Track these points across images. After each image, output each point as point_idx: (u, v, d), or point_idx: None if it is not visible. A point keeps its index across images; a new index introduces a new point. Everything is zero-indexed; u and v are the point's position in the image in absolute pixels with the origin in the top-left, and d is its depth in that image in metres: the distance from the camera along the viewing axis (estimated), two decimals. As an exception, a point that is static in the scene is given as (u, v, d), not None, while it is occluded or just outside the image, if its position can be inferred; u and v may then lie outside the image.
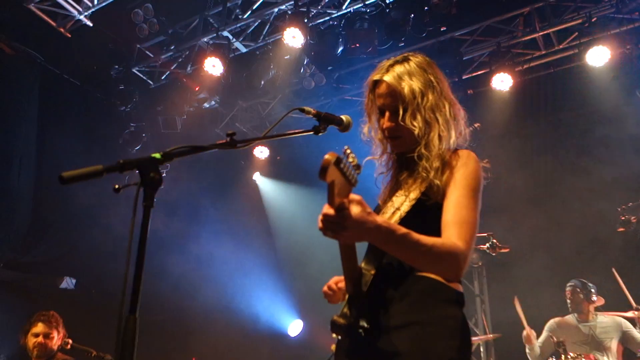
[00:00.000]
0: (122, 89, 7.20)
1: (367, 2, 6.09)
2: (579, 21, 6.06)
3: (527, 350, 5.47)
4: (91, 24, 6.36)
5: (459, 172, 1.86)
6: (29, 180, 6.48)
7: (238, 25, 6.64)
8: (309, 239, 7.47)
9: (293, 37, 6.16)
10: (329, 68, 6.98)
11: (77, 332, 4.74)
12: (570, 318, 5.60)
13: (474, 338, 5.55)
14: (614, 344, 5.25)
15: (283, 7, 6.32)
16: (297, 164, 8.18)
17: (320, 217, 1.46)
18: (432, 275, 1.80)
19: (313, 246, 7.37)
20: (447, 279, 1.80)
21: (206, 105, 7.84)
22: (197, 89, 7.51)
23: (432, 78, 1.97)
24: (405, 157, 2.01)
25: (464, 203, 1.80)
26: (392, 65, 1.98)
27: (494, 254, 6.04)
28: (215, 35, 6.66)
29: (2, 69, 6.22)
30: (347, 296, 1.83)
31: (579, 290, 5.43)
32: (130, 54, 7.10)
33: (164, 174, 6.80)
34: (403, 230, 1.60)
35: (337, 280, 2.09)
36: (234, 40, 6.80)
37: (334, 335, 1.79)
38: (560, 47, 6.41)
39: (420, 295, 1.79)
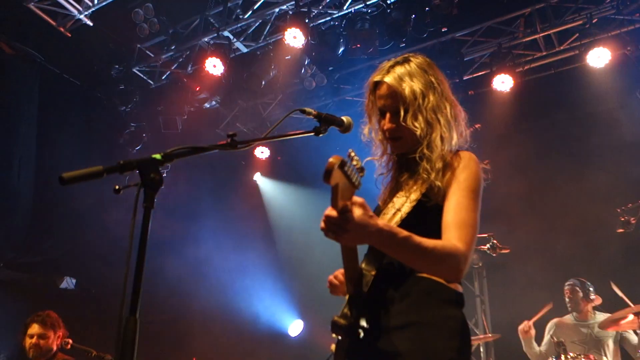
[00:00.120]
0: (123, 88, 7.20)
1: (368, 3, 6.08)
2: (580, 22, 6.06)
3: (523, 346, 5.46)
4: (91, 24, 6.36)
5: (460, 173, 1.86)
6: (28, 180, 6.48)
7: (239, 25, 6.63)
8: (310, 239, 7.47)
9: (294, 38, 6.16)
10: (330, 68, 6.98)
11: (77, 332, 4.74)
12: (569, 318, 5.61)
13: (473, 338, 5.55)
14: (612, 344, 5.25)
15: (284, 7, 6.32)
16: (298, 164, 8.18)
17: (322, 218, 1.47)
18: (432, 276, 1.81)
19: (313, 246, 7.37)
20: (448, 280, 1.80)
21: (207, 105, 7.84)
22: (197, 89, 7.51)
23: (432, 79, 1.97)
24: (406, 158, 2.02)
25: (465, 205, 1.80)
26: (392, 67, 1.98)
27: (494, 255, 6.04)
28: (216, 35, 6.65)
29: (1, 69, 6.22)
30: (347, 297, 1.83)
31: (578, 289, 5.43)
32: (130, 53, 7.10)
33: (164, 174, 6.80)
34: (404, 233, 1.60)
35: (342, 272, 2.09)
36: (235, 40, 6.80)
37: (334, 335, 1.80)
38: (561, 48, 6.41)
39: (420, 295, 1.80)
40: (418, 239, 1.62)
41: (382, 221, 1.57)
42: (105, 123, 7.39)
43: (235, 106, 7.95)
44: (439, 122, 1.93)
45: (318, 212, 1.48)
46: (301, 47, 6.31)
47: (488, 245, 5.94)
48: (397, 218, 1.84)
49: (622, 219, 5.66)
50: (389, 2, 6.08)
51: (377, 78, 1.99)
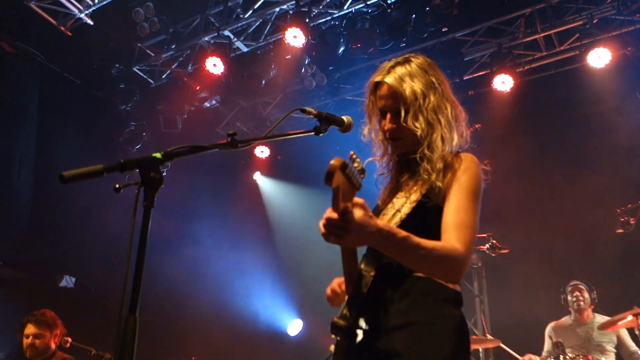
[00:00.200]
0: (123, 87, 7.20)
1: (368, 3, 6.08)
2: (580, 22, 6.06)
3: None
4: (92, 23, 6.36)
5: (461, 175, 1.86)
6: (28, 178, 6.48)
7: (239, 24, 6.63)
8: (309, 239, 7.46)
9: (294, 37, 6.16)
10: (330, 68, 6.98)
11: (76, 331, 4.74)
12: (567, 320, 5.60)
13: (474, 339, 5.54)
14: (610, 347, 5.25)
15: (284, 6, 6.32)
16: (298, 164, 8.18)
17: (321, 222, 1.47)
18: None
19: (313, 245, 7.37)
20: (447, 281, 1.81)
21: (207, 104, 7.84)
22: (197, 88, 7.51)
23: (433, 79, 1.97)
24: (406, 158, 2.02)
25: (465, 206, 1.80)
26: (393, 67, 1.98)
27: (493, 255, 6.04)
28: (216, 34, 6.65)
29: (2, 67, 6.22)
30: (347, 297, 1.84)
31: (588, 290, 5.44)
32: (131, 52, 7.09)
33: (164, 173, 6.79)
34: (403, 233, 1.60)
35: (340, 282, 2.09)
36: (235, 39, 6.80)
37: (333, 336, 1.80)
38: (562, 48, 6.41)
39: (418, 295, 1.80)
40: (417, 239, 1.62)
41: (381, 221, 1.57)
42: (106, 122, 7.39)
43: (235, 105, 7.95)
44: (439, 123, 1.93)
45: (318, 212, 1.48)
46: (301, 46, 6.31)
47: (487, 245, 5.94)
48: (397, 219, 1.84)
49: (622, 219, 5.67)
50: (389, 2, 6.08)
51: (377, 78, 1.99)
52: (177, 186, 7.05)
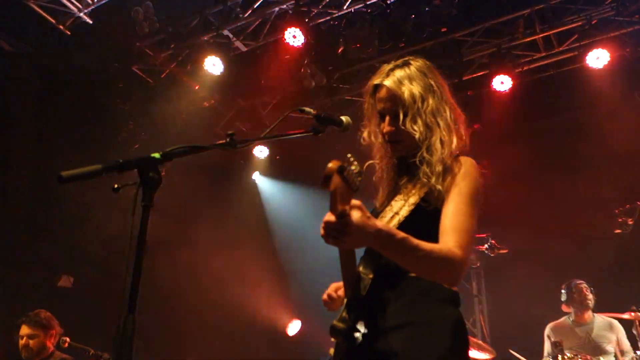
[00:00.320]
0: (122, 87, 7.19)
1: (368, 3, 6.08)
2: (579, 23, 6.06)
3: None
4: (91, 22, 6.35)
5: (460, 179, 1.87)
6: (27, 177, 6.47)
7: (238, 24, 6.63)
8: (308, 238, 7.47)
9: (293, 37, 6.15)
10: (330, 68, 6.97)
11: (75, 331, 4.73)
12: (566, 321, 5.61)
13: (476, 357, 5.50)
14: (610, 348, 5.26)
15: (284, 6, 6.31)
16: (297, 164, 8.18)
17: (322, 225, 1.47)
18: (428, 278, 1.82)
19: (312, 245, 7.36)
20: (444, 284, 1.82)
21: (206, 104, 7.83)
22: (196, 87, 7.50)
23: (432, 82, 1.97)
24: (405, 161, 2.02)
25: (463, 210, 1.81)
26: (392, 70, 1.99)
27: (492, 255, 6.06)
28: (215, 34, 6.64)
29: (1, 66, 6.20)
30: (346, 300, 1.84)
31: (590, 290, 5.46)
32: (129, 52, 7.08)
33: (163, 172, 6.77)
34: (402, 234, 1.60)
35: (336, 288, 2.10)
36: (234, 39, 6.79)
37: (333, 339, 1.80)
38: (560, 49, 6.41)
39: (416, 295, 1.81)
40: (416, 241, 1.62)
41: (380, 222, 1.57)
42: (104, 121, 7.37)
43: (234, 105, 7.94)
44: (438, 126, 1.93)
45: (317, 212, 1.49)
46: (301, 46, 6.31)
47: (486, 246, 5.96)
48: (395, 221, 1.85)
49: (620, 220, 5.68)
50: (388, 2, 6.07)
51: (376, 81, 2.00)
52: (175, 186, 7.03)
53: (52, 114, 6.79)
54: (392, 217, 1.87)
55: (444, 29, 6.36)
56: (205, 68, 6.68)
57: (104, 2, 6.15)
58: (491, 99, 6.75)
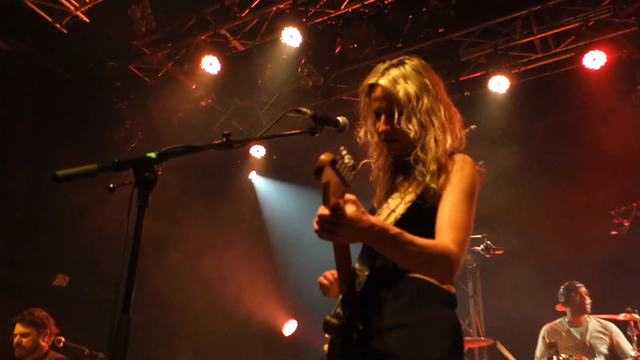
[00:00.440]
0: (118, 85, 7.17)
1: (365, 3, 6.08)
2: (576, 25, 6.07)
3: None
4: (88, 20, 6.33)
5: (455, 176, 1.87)
6: (23, 176, 6.44)
7: (236, 23, 6.62)
8: (305, 238, 7.47)
9: (291, 37, 6.15)
10: (327, 68, 6.97)
11: (70, 330, 4.72)
12: (561, 323, 5.63)
13: (467, 340, 5.55)
14: (604, 349, 5.28)
15: (281, 6, 6.31)
16: (294, 163, 8.18)
17: (315, 219, 1.46)
18: (425, 277, 1.82)
19: (308, 245, 7.36)
20: (439, 280, 1.81)
21: (203, 103, 7.82)
22: (194, 86, 7.49)
23: (427, 81, 1.97)
24: (401, 160, 2.02)
25: (459, 207, 1.81)
26: (387, 69, 1.99)
27: (488, 256, 6.06)
28: (212, 33, 6.64)
29: (-2, 64, 6.19)
30: (340, 297, 1.84)
31: (588, 293, 5.48)
32: (126, 50, 7.06)
33: (159, 172, 6.76)
34: (396, 230, 1.60)
35: (334, 272, 2.09)
36: (232, 38, 6.79)
37: (326, 335, 1.80)
38: (557, 50, 6.42)
39: (412, 296, 1.81)
40: (410, 236, 1.62)
41: (375, 218, 1.56)
42: (101, 120, 7.35)
43: (231, 105, 7.93)
44: (433, 125, 1.94)
45: (314, 212, 1.47)
46: (298, 46, 6.31)
47: (482, 246, 5.96)
48: (391, 219, 1.85)
49: (616, 222, 5.70)
50: (386, 2, 6.08)
51: (372, 80, 2.00)
52: (171, 185, 7.03)
53: (49, 112, 6.77)
54: (388, 215, 1.87)
55: (441, 30, 6.36)
56: (202, 67, 6.68)
57: (100, 0, 6.13)
58: (488, 100, 6.77)
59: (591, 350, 5.28)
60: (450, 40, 6.53)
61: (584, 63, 6.12)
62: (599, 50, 6.00)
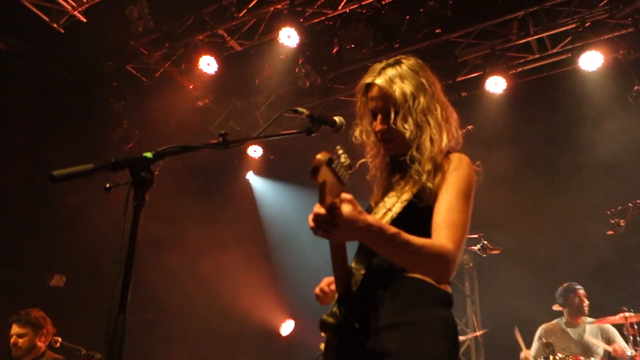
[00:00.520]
0: (116, 85, 7.16)
1: (362, 3, 6.08)
2: (573, 25, 6.08)
3: None
4: (85, 20, 6.32)
5: (451, 175, 1.87)
6: (19, 176, 6.43)
7: (233, 23, 6.62)
8: (302, 238, 7.47)
9: (288, 37, 6.16)
10: (324, 68, 6.97)
11: (67, 330, 4.71)
12: (559, 322, 5.64)
13: (462, 336, 5.58)
14: (601, 350, 5.30)
15: (278, 6, 6.31)
16: (292, 163, 8.18)
17: (311, 216, 1.46)
18: (422, 276, 1.82)
19: (306, 245, 7.38)
20: (436, 280, 1.82)
21: (200, 103, 7.81)
22: (191, 87, 7.48)
23: (423, 81, 1.97)
24: (397, 160, 2.02)
25: (455, 206, 1.81)
26: (384, 68, 1.99)
27: (485, 256, 6.08)
28: (210, 33, 6.63)
29: (-5, 64, 6.17)
30: (336, 295, 1.84)
31: (586, 295, 5.50)
32: (124, 50, 7.05)
33: (156, 172, 6.76)
34: (393, 229, 1.60)
35: (329, 282, 2.10)
36: (229, 38, 6.78)
37: (323, 334, 1.80)
38: (554, 51, 6.44)
39: (409, 295, 1.81)
40: (407, 236, 1.62)
41: (372, 217, 1.56)
42: (99, 120, 7.34)
43: (228, 104, 7.93)
44: (429, 124, 1.94)
45: (310, 211, 1.48)
46: (295, 46, 6.31)
47: (479, 246, 5.97)
48: (388, 218, 1.85)
49: (612, 222, 5.71)
50: (383, 3, 6.09)
51: (368, 80, 2.00)
52: (169, 185, 7.02)
53: (47, 112, 6.76)
54: (385, 214, 1.87)
55: (438, 30, 6.37)
56: (199, 67, 6.68)
57: (98, 0, 6.12)
58: (485, 100, 6.78)
59: (588, 350, 5.30)
60: (447, 41, 6.54)
61: (580, 64, 6.14)
62: (596, 51, 6.02)
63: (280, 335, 8.77)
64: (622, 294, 5.54)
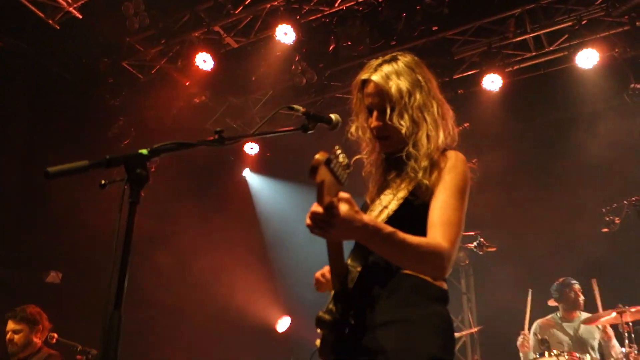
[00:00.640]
0: (112, 82, 7.13)
1: (359, 0, 6.08)
2: (570, 23, 6.10)
3: (521, 357, 5.48)
4: (80, 16, 6.29)
5: (447, 173, 1.87)
6: (15, 173, 6.41)
7: (229, 20, 6.60)
8: (298, 235, 7.47)
9: (284, 34, 6.15)
10: (320, 65, 6.97)
11: (63, 327, 4.71)
12: (554, 318, 5.66)
13: (458, 333, 5.60)
14: (595, 344, 5.33)
15: (275, 3, 6.30)
16: (288, 161, 8.18)
17: (308, 215, 1.47)
18: (418, 274, 1.83)
19: (303, 242, 7.37)
20: (432, 277, 1.83)
21: (196, 100, 7.80)
22: (187, 83, 7.46)
23: (420, 77, 1.97)
24: (393, 157, 2.02)
25: (451, 204, 1.81)
26: (380, 65, 1.99)
27: (481, 253, 6.10)
28: (206, 30, 6.62)
29: (-11, 61, 6.14)
30: (332, 292, 1.84)
31: (581, 290, 5.52)
32: (120, 47, 7.03)
33: (153, 169, 6.75)
34: (389, 229, 1.61)
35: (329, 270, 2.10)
36: (225, 35, 6.77)
37: (318, 330, 1.81)
38: (551, 48, 6.46)
39: (405, 292, 1.82)
40: (403, 235, 1.63)
41: (368, 217, 1.57)
42: (95, 117, 7.32)
43: (224, 102, 7.91)
44: (425, 121, 1.94)
45: (307, 209, 1.48)
46: (292, 43, 6.30)
47: (475, 244, 5.99)
48: (384, 215, 1.85)
49: (607, 219, 5.73)
50: (380, 0, 6.08)
51: (364, 76, 2.00)
52: (164, 182, 7.01)
53: (43, 109, 6.73)
54: (381, 211, 1.87)
55: (435, 28, 6.38)
56: (195, 64, 6.66)
57: (93, -4, 6.10)
58: (481, 98, 6.79)
59: (583, 345, 5.32)
60: (444, 39, 6.55)
61: (577, 62, 6.16)
62: (592, 49, 6.04)
63: (277, 332, 8.78)
64: (616, 292, 5.56)
